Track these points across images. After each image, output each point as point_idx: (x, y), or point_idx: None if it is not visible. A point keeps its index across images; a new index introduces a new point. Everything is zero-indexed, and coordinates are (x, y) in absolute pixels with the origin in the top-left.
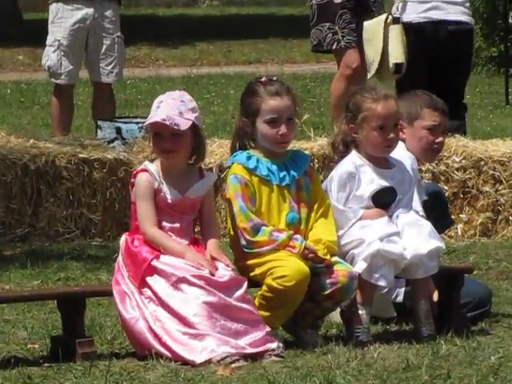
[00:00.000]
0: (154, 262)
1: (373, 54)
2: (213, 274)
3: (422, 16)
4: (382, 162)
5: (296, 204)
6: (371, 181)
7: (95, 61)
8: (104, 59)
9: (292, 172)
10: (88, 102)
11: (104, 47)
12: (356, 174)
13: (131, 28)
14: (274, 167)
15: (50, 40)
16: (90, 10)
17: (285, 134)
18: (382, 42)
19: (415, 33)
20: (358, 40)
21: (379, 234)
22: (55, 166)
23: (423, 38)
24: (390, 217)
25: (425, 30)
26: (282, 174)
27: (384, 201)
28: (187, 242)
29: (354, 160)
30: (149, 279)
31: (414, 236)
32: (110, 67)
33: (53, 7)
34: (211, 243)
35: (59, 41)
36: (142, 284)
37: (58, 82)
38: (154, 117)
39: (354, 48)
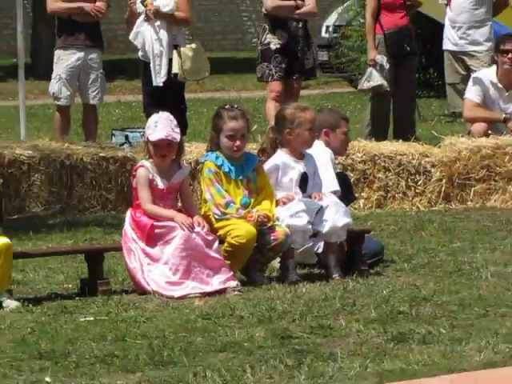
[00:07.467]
0: (155, 223)
1: None
2: (193, 228)
3: None
4: (299, 155)
5: (247, 192)
6: (292, 168)
7: (84, 88)
8: (90, 88)
9: (245, 170)
10: (106, 117)
11: (90, 79)
12: (280, 165)
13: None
14: (233, 167)
15: (54, 75)
16: (81, 54)
17: (238, 146)
18: None
19: None
20: (284, 75)
21: (289, 213)
22: (83, 162)
23: None
24: (310, 196)
25: None
26: (238, 172)
27: (302, 184)
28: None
29: (278, 156)
30: (150, 238)
31: (333, 212)
32: (94, 93)
33: (56, 52)
34: (196, 216)
35: (60, 75)
36: (148, 241)
37: (59, 103)
38: (157, 134)
39: (280, 80)
